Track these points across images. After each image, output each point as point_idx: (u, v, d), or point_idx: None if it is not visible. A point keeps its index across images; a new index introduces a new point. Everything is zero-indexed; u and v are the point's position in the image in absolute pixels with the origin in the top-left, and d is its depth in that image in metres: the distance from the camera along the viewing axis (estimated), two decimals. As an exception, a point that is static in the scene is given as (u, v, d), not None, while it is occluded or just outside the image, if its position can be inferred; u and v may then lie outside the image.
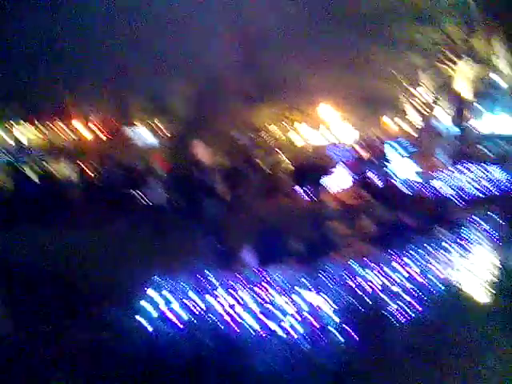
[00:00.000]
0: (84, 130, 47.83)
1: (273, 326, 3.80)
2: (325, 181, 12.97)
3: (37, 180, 12.93)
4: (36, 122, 48.58)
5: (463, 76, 15.35)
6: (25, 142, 47.68)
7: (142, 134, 49.19)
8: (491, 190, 10.10)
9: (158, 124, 47.97)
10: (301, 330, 3.72)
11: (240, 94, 18.67)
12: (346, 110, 23.85)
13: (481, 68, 15.16)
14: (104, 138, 43.76)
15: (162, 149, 29.15)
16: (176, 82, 26.71)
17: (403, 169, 17.98)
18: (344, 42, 15.88)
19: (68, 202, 12.09)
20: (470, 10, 13.74)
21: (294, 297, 4.15)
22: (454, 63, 15.16)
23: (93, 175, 14.91)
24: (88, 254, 6.52)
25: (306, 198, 13.43)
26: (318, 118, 22.15)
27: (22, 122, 48.49)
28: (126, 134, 47.62)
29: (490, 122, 26.44)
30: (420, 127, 26.54)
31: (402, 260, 4.89)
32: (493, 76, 17.45)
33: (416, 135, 26.03)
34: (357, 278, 4.63)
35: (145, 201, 13.52)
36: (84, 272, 5.50)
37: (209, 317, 3.91)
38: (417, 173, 16.55)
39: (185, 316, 3.98)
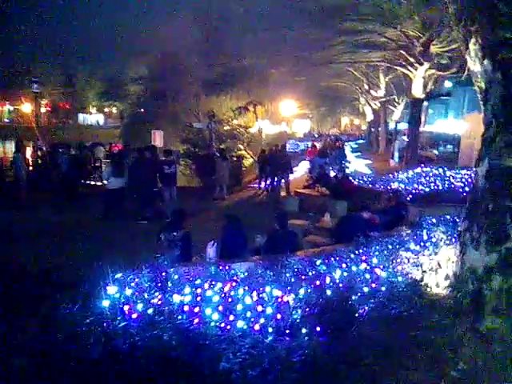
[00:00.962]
0: (31, 110, 45.55)
1: (238, 322, 3.67)
2: (283, 172, 13.07)
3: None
4: None
5: (417, 78, 15.86)
6: None
7: (94, 117, 47.69)
8: (440, 188, 10.56)
9: (114, 107, 46.68)
10: (267, 327, 3.62)
11: (201, 82, 18.29)
12: (306, 105, 24.23)
13: (433, 71, 15.74)
14: (56, 122, 42.03)
15: (116, 133, 28.22)
16: (135, 65, 25.88)
17: (357, 164, 18.55)
18: (307, 38, 15.88)
19: (14, 183, 11.30)
20: (428, 13, 14.14)
21: (259, 292, 4.05)
22: (412, 65, 15.62)
23: (42, 158, 14.12)
24: (38, 241, 6.08)
25: (265, 188, 13.50)
26: (279, 112, 22.27)
27: None
28: (78, 118, 45.92)
29: (440, 125, 27.84)
30: (376, 127, 27.47)
31: (364, 255, 4.94)
32: (446, 80, 18.23)
33: (371, 134, 26.99)
34: (320, 272, 4.60)
35: (97, 186, 13.00)
36: (31, 262, 5.08)
37: (172, 313, 3.71)
38: (369, 169, 17.14)
39: (141, 311, 3.76)
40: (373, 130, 29.08)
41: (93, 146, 19.10)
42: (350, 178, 12.29)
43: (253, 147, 19.76)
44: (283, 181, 12.91)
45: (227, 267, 4.63)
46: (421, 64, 15.31)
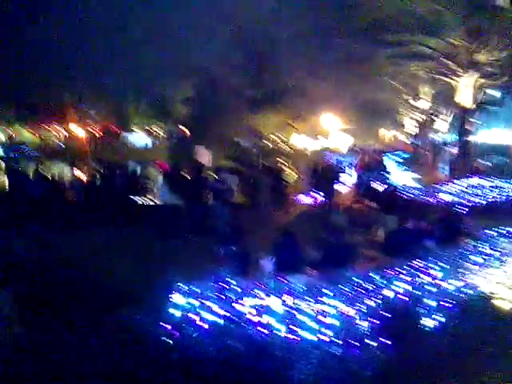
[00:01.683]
0: (83, 133, 48.18)
1: (302, 332, 3.73)
2: (329, 187, 13.03)
3: (35, 179, 12.76)
4: (35, 125, 48.97)
5: (465, 88, 15.46)
6: (23, 142, 47.88)
7: (141, 138, 49.45)
8: (492, 200, 10.18)
9: (160, 127, 48.48)
10: (330, 337, 3.66)
11: (244, 100, 18.73)
12: (348, 119, 24.05)
13: (482, 80, 15.29)
14: (103, 142, 44.12)
15: (164, 151, 29.22)
16: (180, 86, 26.91)
17: (403, 178, 18.14)
18: (348, 53, 15.94)
19: (68, 202, 11.92)
20: (472, 22, 13.88)
21: (320, 304, 4.09)
22: (456, 75, 15.27)
23: (92, 177, 14.79)
24: (99, 257, 6.39)
25: (313, 204, 13.47)
26: (321, 127, 22.25)
27: (21, 123, 48.79)
28: (125, 138, 47.89)
29: (489, 135, 26.73)
30: (421, 139, 26.83)
31: (421, 267, 4.87)
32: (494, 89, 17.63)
33: (416, 147, 26.32)
34: (378, 285, 4.58)
35: (148, 203, 13.48)
36: (100, 276, 5.39)
37: (235, 323, 3.83)
38: (417, 182, 16.72)
39: (211, 322, 3.90)
40: (418, 142, 28.37)
41: (143, 165, 19.74)
42: (399, 191, 12.09)
43: (297, 162, 19.83)
44: (332, 195, 12.86)
45: (286, 280, 4.71)
46: (468, 73, 14.95)
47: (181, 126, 27.01)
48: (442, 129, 25.13)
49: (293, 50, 16.70)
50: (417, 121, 26.55)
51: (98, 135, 46.65)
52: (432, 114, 24.76)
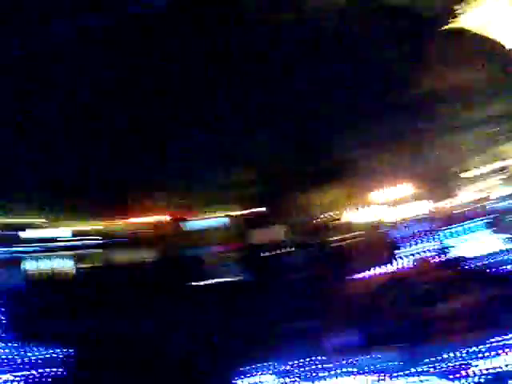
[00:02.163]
0: (151, 221, 50.93)
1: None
2: (401, 256, 12.41)
3: (101, 267, 13.42)
4: (103, 216, 52.69)
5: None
6: (90, 234, 51.47)
7: (206, 223, 51.30)
8: None
9: (227, 209, 50.14)
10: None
11: (306, 177, 19.06)
12: (416, 186, 23.39)
13: None
14: (169, 229, 46.49)
15: (231, 232, 29.97)
16: (239, 170, 28.28)
17: (487, 244, 16.77)
18: (409, 121, 16.03)
19: (139, 287, 12.34)
20: None
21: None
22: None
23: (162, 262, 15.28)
24: (175, 341, 6.43)
25: (386, 274, 12.81)
26: (387, 196, 21.77)
27: (88, 216, 52.83)
28: (190, 224, 49.92)
29: None
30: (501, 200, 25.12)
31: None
32: None
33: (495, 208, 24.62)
34: (478, 360, 4.14)
35: (214, 284, 13.56)
36: (180, 360, 5.37)
37: None
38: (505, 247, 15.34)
39: None
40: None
41: (208, 248, 20.16)
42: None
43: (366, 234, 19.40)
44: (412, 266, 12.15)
45: (373, 356, 4.43)
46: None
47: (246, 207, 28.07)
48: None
49: (346, 122, 17.13)
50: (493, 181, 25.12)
51: (164, 222, 49.26)
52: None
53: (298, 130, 18.66)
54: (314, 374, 3.65)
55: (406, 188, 24.73)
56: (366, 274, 13.63)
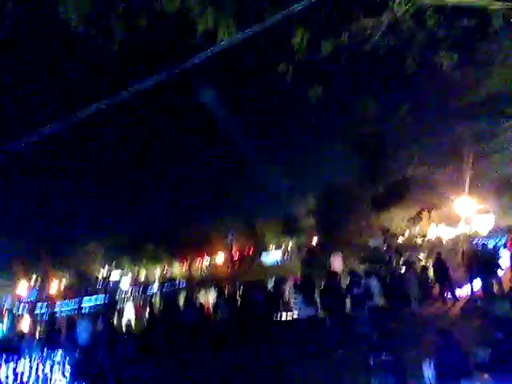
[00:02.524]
0: (222, 259, 52.76)
1: None
2: (490, 274, 11.53)
3: (185, 307, 13.84)
4: (182, 259, 55.60)
5: None
6: (173, 276, 54.26)
7: (273, 255, 51.73)
8: None
9: (290, 243, 50.64)
10: None
11: (369, 201, 18.67)
12: (484, 199, 21.94)
13: None
14: (244, 266, 47.91)
15: (294, 266, 29.94)
16: (305, 201, 28.52)
17: None
18: (474, 129, 15.26)
19: (214, 324, 12.52)
20: None
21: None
22: None
23: (233, 299, 15.43)
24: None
25: (468, 296, 11.93)
26: (454, 212, 20.65)
27: (172, 260, 55.86)
28: (258, 257, 50.73)
29: None
30: None
31: None
32: None
33: None
34: None
35: (287, 319, 13.44)
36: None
37: None
38: None
39: None
40: None
41: (279, 281, 20.20)
42: None
43: (432, 254, 18.39)
44: (494, 282, 11.26)
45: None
46: None
47: (308, 239, 28.06)
48: None
49: (408, 140, 16.67)
50: None
51: (235, 259, 50.87)
52: None
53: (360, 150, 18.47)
54: None
55: (483, 198, 23.22)
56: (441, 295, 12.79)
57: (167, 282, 51.38)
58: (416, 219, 18.07)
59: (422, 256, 17.88)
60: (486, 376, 4.59)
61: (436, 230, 19.44)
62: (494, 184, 21.59)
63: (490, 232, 24.23)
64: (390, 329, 6.06)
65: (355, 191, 18.80)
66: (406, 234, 18.35)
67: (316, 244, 23.48)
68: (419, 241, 17.79)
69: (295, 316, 10.71)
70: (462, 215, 17.40)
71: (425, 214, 17.89)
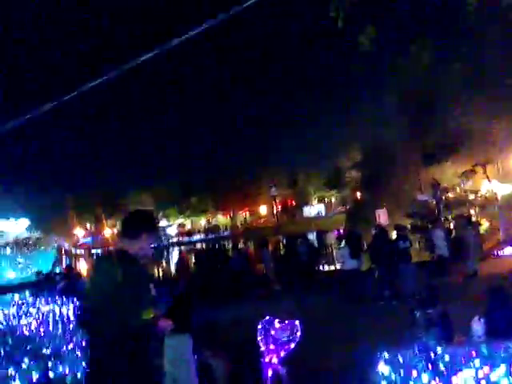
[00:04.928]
0: (266, 211, 53.58)
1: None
2: None
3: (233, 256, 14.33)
4: (227, 209, 57.13)
5: None
6: (218, 226, 56.19)
7: (317, 209, 51.81)
8: None
9: (334, 197, 50.31)
10: None
11: (420, 155, 17.88)
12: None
13: None
14: (286, 218, 48.54)
15: (338, 219, 29.94)
16: (351, 153, 27.83)
17: None
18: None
19: (264, 275, 12.92)
20: None
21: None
22: None
23: (278, 250, 15.78)
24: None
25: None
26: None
27: (216, 212, 57.63)
28: (302, 210, 51.03)
29: None
30: None
31: None
32: None
33: None
34: None
35: (330, 270, 13.65)
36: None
37: None
38: None
39: None
40: None
41: (322, 234, 20.44)
42: None
43: (487, 211, 17.59)
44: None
45: (504, 346, 4.03)
46: None
47: (353, 192, 27.57)
48: None
49: (461, 90, 15.54)
50: None
51: (278, 211, 51.50)
52: None
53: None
54: (435, 365, 3.44)
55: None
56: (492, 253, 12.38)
57: (212, 231, 53.32)
58: (469, 174, 17.19)
59: (472, 212, 17.24)
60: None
61: (489, 186, 18.47)
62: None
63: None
64: (440, 283, 5.96)
65: (404, 143, 18.03)
66: (458, 189, 17.58)
67: (361, 198, 23.10)
68: (471, 196, 17.04)
69: (339, 267, 10.82)
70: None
71: (478, 168, 16.94)
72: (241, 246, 23.97)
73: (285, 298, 9.85)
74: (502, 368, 3.55)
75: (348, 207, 27.46)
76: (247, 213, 58.55)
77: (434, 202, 14.76)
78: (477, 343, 4.63)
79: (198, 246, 42.36)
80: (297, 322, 4.43)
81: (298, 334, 4.44)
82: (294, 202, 51.48)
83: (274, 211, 47.31)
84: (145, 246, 2.52)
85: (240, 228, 52.92)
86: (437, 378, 3.51)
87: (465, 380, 3.48)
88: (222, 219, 59.23)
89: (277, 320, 4.41)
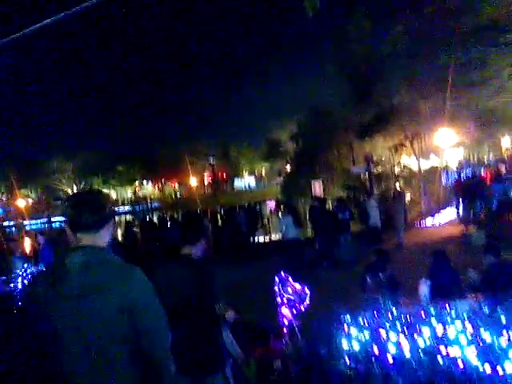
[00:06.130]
0: (195, 182, 52.74)
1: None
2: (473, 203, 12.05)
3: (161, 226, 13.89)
4: (156, 179, 55.12)
5: None
6: (146, 196, 54.23)
7: (247, 182, 52.21)
8: None
9: (264, 169, 50.76)
10: None
11: (353, 128, 18.49)
12: (463, 132, 22.17)
13: None
14: (217, 190, 48.20)
15: (269, 191, 30.40)
16: (287, 125, 28.02)
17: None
18: (455, 59, 14.93)
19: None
20: None
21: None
22: None
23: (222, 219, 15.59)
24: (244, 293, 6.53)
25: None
26: (434, 144, 20.93)
27: (145, 182, 55.37)
28: (233, 182, 51.15)
29: None
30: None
31: None
32: None
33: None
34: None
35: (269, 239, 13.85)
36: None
37: (421, 355, 3.53)
38: None
39: (393, 354, 3.64)
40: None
41: (255, 205, 20.56)
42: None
43: (411, 184, 18.89)
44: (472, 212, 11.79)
45: (448, 306, 4.27)
46: None
47: (289, 163, 28.01)
48: None
49: (396, 67, 16.20)
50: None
51: (208, 182, 51.03)
52: None
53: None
54: (394, 324, 3.60)
55: (462, 131, 23.51)
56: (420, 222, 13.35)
57: (139, 202, 51.52)
58: (397, 148, 18.22)
59: (398, 185, 18.32)
60: (477, 296, 4.81)
61: (414, 160, 19.79)
62: (471, 117, 21.75)
63: (460, 164, 25.12)
64: (382, 251, 6.19)
65: (339, 117, 18.55)
66: (387, 162, 18.60)
67: (296, 169, 23.54)
68: (398, 170, 18.14)
69: (279, 237, 10.92)
70: (442, 147, 17.58)
71: (407, 143, 18.00)
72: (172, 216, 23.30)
73: (226, 267, 9.75)
74: (458, 324, 3.75)
75: (283, 179, 27.92)
76: (177, 184, 57.26)
77: (367, 175, 15.45)
78: (424, 304, 4.88)
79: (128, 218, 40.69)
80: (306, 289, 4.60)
81: (307, 299, 4.57)
82: (225, 175, 51.44)
83: (206, 183, 46.89)
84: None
85: (171, 199, 51.81)
86: (401, 336, 3.63)
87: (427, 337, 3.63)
88: (150, 190, 57.43)
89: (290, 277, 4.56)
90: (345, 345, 3.76)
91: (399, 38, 14.98)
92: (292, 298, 4.50)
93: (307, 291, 4.56)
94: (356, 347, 3.69)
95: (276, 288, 4.63)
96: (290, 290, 4.53)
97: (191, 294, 2.71)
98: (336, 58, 17.98)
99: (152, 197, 53.81)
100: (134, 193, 57.37)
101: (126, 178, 53.95)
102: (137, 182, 55.98)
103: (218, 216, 15.34)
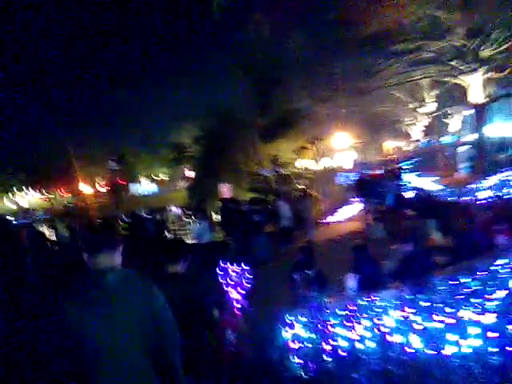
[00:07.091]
0: (90, 190, 48.98)
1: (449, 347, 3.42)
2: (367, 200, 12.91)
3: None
4: (41, 189, 49.70)
5: (474, 85, 15.54)
6: (32, 208, 48.69)
7: (149, 186, 50.09)
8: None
9: (167, 173, 49.01)
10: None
11: (258, 131, 18.78)
12: (355, 136, 24.08)
13: (489, 74, 15.42)
14: (111, 195, 45.18)
15: (173, 196, 29.49)
16: (190, 129, 27.35)
17: (421, 183, 17.95)
18: (352, 69, 16.07)
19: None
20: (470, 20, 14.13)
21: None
22: (464, 74, 15.38)
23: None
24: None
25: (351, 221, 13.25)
26: (331, 147, 22.34)
27: (26, 189, 49.51)
28: (132, 188, 48.59)
29: (494, 129, 26.69)
30: (429, 143, 26.92)
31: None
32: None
33: (424, 151, 26.43)
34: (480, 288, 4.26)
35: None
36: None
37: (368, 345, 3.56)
38: (439, 185, 16.47)
39: (336, 347, 3.64)
40: (426, 146, 28.48)
41: (160, 211, 19.73)
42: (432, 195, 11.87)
43: (313, 184, 19.87)
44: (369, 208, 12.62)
45: (373, 297, 4.45)
46: (474, 71, 15.08)
47: (195, 167, 27.41)
48: (454, 129, 25.18)
49: (297, 72, 16.85)
50: (424, 126, 26.72)
51: (105, 190, 47.74)
52: (438, 116, 24.91)
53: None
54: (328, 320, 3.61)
55: (355, 135, 25.45)
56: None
57: (22, 212, 45.90)
58: (300, 150, 19.01)
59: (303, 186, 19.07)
60: (399, 284, 5.07)
61: (313, 162, 20.89)
62: (362, 123, 23.73)
63: (354, 166, 27.21)
64: (288, 250, 6.29)
65: (244, 120, 18.72)
66: (291, 164, 19.31)
67: (201, 173, 23.13)
68: (302, 171, 18.90)
69: (194, 241, 10.54)
70: (337, 149, 18.87)
71: (308, 146, 18.89)
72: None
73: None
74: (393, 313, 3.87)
75: (188, 184, 27.31)
76: (66, 192, 52.33)
77: (273, 177, 15.80)
78: (353, 296, 5.00)
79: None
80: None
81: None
82: (121, 181, 48.62)
83: (102, 190, 43.83)
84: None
85: (63, 209, 47.09)
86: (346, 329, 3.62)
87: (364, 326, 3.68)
88: (36, 200, 51.77)
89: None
90: (292, 343, 3.65)
91: (298, 45, 15.61)
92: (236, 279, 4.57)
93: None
94: (303, 344, 3.60)
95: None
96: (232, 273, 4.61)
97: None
98: (239, 62, 18.13)
99: (37, 207, 48.48)
100: (16, 204, 51.18)
101: (3, 187, 47.64)
102: (15, 190, 49.71)
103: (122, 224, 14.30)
